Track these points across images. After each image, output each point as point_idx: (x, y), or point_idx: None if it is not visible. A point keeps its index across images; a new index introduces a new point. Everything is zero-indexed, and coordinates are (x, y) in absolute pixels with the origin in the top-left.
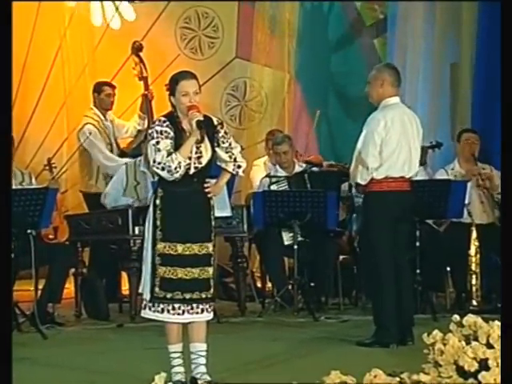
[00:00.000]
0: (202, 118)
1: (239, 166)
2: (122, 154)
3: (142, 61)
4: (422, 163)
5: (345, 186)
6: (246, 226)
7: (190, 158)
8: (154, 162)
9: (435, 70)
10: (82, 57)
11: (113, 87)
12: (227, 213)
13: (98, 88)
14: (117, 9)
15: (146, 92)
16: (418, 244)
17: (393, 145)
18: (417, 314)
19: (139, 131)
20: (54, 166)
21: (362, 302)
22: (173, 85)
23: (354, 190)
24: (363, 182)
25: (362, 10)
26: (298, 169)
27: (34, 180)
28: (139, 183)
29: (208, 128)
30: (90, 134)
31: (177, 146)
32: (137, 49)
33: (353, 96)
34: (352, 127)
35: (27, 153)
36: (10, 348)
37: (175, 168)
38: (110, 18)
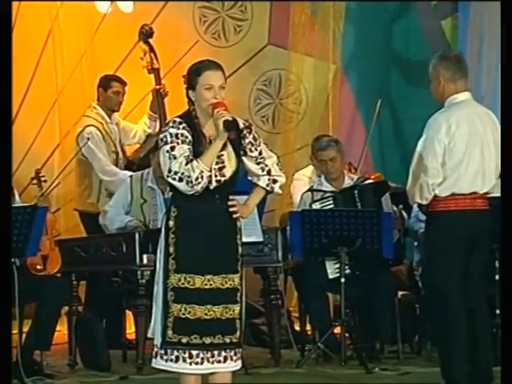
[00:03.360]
0: (230, 118)
1: (275, 181)
2: (129, 163)
3: (152, 49)
4: None
5: (386, 199)
6: (280, 254)
7: (210, 170)
8: (170, 171)
9: None
10: (78, 44)
11: (123, 84)
12: (257, 238)
13: (105, 83)
14: None
15: (158, 87)
16: (497, 277)
17: (459, 154)
18: (497, 366)
19: (149, 135)
20: (43, 178)
21: (427, 349)
22: (193, 76)
23: (415, 207)
24: (424, 202)
25: None
26: (347, 182)
27: (17, 197)
28: (146, 201)
29: (235, 131)
30: (90, 138)
31: (195, 153)
32: (146, 34)
33: (418, 91)
34: (422, 124)
35: None
36: None
37: (196, 178)
38: None
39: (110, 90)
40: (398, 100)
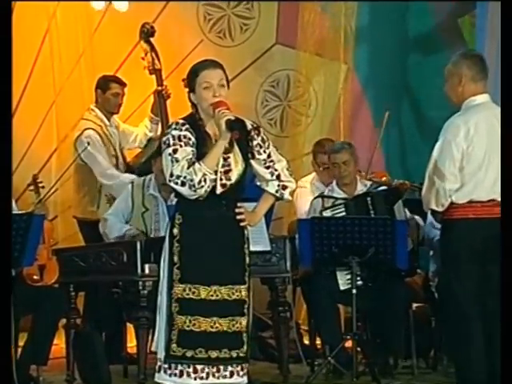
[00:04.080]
0: (232, 117)
1: (285, 187)
2: (129, 168)
3: (153, 49)
4: None
5: (399, 207)
6: (288, 264)
7: (215, 173)
8: (172, 175)
9: None
10: (77, 44)
11: (122, 85)
12: (265, 246)
13: (104, 84)
14: None
15: (160, 88)
16: None
17: (478, 159)
18: None
19: (150, 139)
20: (40, 185)
21: (443, 364)
22: (192, 77)
23: (429, 215)
24: (440, 208)
25: None
26: (360, 189)
27: (14, 203)
28: (148, 209)
29: (241, 132)
30: (90, 143)
31: (200, 156)
32: (147, 33)
33: (433, 93)
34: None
35: None
36: None
37: (199, 182)
38: None
39: (108, 91)
40: (412, 101)
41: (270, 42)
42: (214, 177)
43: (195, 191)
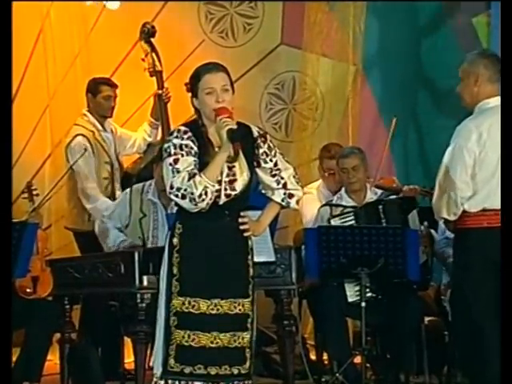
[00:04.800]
0: (235, 127)
1: (291, 195)
2: (127, 175)
3: (154, 49)
4: None
5: (413, 217)
6: (294, 276)
7: (219, 183)
8: (172, 187)
9: None
10: (72, 44)
11: (114, 87)
12: (269, 257)
13: (94, 87)
14: None
15: (160, 91)
16: None
17: (491, 165)
18: None
19: (150, 145)
20: (35, 192)
21: (457, 381)
22: (194, 83)
23: (442, 225)
24: (452, 218)
25: None
26: (370, 197)
27: None
28: (145, 215)
29: (245, 141)
30: (80, 151)
31: (203, 165)
32: (148, 33)
33: (446, 95)
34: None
35: None
36: None
37: (200, 195)
38: None
39: (99, 94)
40: (424, 106)
41: (275, 43)
42: (215, 188)
43: (196, 205)
